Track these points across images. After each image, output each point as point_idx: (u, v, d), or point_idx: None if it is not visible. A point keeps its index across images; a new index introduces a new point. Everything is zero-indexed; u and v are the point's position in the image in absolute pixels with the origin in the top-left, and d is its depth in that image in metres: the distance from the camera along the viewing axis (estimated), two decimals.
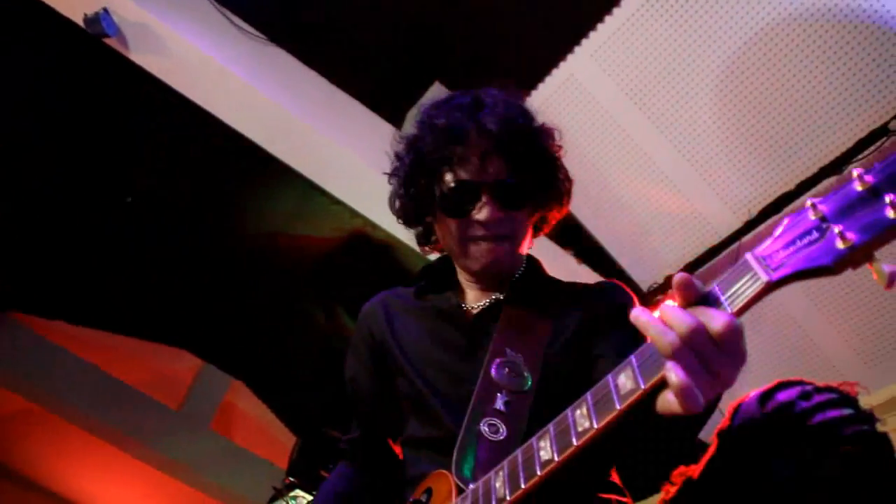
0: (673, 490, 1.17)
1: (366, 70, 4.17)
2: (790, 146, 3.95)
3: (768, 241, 0.95)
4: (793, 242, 0.91)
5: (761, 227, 4.11)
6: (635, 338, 1.58)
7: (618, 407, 1.03)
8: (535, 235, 1.77)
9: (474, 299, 1.71)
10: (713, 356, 0.94)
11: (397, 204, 1.74)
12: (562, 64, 4.00)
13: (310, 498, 4.34)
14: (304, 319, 5.30)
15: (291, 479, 4.60)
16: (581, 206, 4.33)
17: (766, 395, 1.07)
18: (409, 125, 1.73)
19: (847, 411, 1.02)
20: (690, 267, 4.25)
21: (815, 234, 0.89)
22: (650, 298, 4.23)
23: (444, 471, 1.39)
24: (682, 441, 1.22)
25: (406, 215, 1.74)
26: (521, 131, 1.62)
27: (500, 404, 1.46)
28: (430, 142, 1.61)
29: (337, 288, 4.98)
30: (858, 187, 0.86)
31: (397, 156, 1.73)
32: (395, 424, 1.71)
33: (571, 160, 1.75)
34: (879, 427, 1.05)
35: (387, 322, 1.75)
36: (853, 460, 0.98)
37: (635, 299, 1.66)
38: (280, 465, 5.63)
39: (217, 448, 5.98)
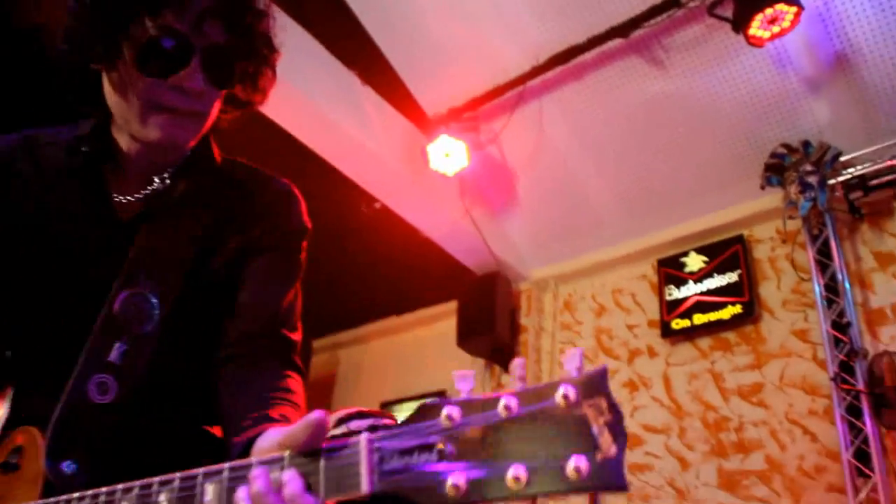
0: None
1: None
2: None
3: (395, 431, 0.73)
4: (410, 451, 0.71)
5: (548, 74, 4.22)
6: (289, 263, 1.40)
7: None
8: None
9: (132, 187, 1.34)
10: None
11: (77, 34, 1.24)
12: None
13: None
14: None
15: None
16: (377, 25, 4.20)
17: (341, 420, 1.04)
18: None
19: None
20: (475, 102, 4.34)
21: (434, 455, 0.70)
22: (434, 126, 4.31)
23: (36, 431, 1.13)
24: None
25: (82, 52, 1.24)
26: (253, 5, 1.29)
27: (115, 355, 1.17)
28: None
29: None
30: (502, 414, 0.68)
31: None
32: None
33: None
34: None
35: (23, 181, 1.31)
36: None
37: (308, 224, 1.45)
38: None
39: None
